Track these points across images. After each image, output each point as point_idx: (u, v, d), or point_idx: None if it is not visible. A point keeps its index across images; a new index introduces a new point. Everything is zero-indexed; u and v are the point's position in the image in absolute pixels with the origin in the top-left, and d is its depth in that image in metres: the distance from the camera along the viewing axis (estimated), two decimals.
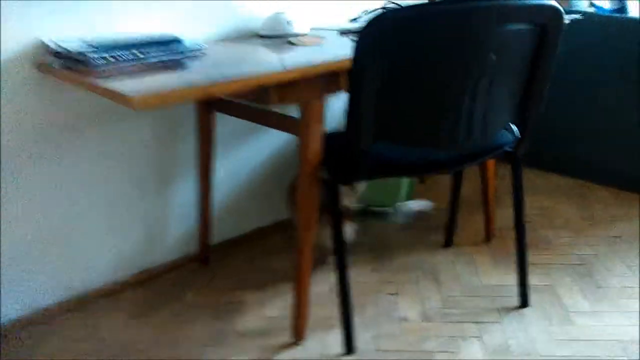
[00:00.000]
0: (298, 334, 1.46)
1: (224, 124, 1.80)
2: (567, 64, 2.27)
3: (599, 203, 2.17)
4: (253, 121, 1.45)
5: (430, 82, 1.14)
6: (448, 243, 1.92)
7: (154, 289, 1.71)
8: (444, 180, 2.28)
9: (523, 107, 1.30)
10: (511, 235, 1.92)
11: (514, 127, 1.46)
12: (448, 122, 1.19)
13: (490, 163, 1.86)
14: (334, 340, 1.46)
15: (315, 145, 1.28)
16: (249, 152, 1.93)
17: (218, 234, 1.92)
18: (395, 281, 1.73)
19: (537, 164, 2.48)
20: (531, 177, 2.44)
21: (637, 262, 1.75)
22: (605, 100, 2.23)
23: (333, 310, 1.57)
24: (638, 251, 1.81)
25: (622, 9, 2.28)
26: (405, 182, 2.05)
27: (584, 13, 2.24)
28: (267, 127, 1.94)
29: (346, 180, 1.32)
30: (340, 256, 1.35)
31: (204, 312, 1.61)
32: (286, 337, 1.48)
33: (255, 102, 1.21)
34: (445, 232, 1.92)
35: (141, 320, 1.56)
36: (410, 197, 2.15)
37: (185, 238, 1.86)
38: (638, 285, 1.63)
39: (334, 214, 1.34)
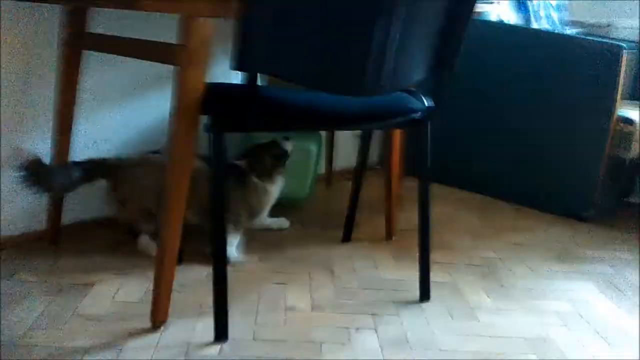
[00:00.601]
0: (157, 319, 1.19)
1: (92, 73, 1.53)
2: (475, 80, 2.26)
3: (499, 215, 2.11)
4: (125, 54, 1.20)
5: (334, 7, 0.97)
6: (346, 238, 1.75)
7: None
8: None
9: (437, 62, 1.17)
10: (412, 236, 1.80)
11: (422, 96, 1.34)
12: (354, 56, 1.02)
13: (396, 158, 1.73)
14: (205, 327, 1.20)
15: (197, 77, 1.05)
16: (121, 115, 1.66)
17: (74, 212, 1.61)
18: (285, 271, 1.51)
19: (440, 179, 2.42)
20: (434, 190, 2.36)
21: (540, 265, 1.67)
22: (508, 120, 2.22)
23: (207, 298, 1.32)
24: (541, 256, 1.74)
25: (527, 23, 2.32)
26: (310, 173, 1.92)
27: (496, 22, 2.25)
28: (147, 89, 1.71)
29: (233, 125, 1.09)
30: (218, 227, 1.11)
31: (40, 293, 1.29)
32: (144, 323, 1.20)
33: (123, 5, 0.97)
34: (344, 228, 1.75)
35: None
36: (312, 191, 1.99)
37: (34, 212, 1.53)
38: (543, 287, 1.53)
39: (217, 174, 1.11)
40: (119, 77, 1.63)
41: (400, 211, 2.04)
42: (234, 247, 1.56)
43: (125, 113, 1.68)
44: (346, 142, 2.39)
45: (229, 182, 1.51)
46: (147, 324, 1.20)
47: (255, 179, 1.60)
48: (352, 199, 1.73)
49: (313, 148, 1.92)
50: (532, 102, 2.15)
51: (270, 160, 1.63)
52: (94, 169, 1.46)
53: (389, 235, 1.80)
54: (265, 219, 1.74)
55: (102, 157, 1.50)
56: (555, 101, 2.10)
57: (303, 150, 1.87)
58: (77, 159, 1.48)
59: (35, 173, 1.32)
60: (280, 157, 1.65)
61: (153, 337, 1.16)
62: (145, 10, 0.94)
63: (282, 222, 1.82)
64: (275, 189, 1.65)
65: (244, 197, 1.58)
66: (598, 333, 1.31)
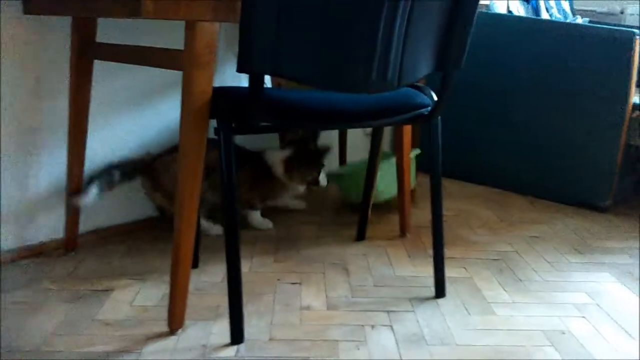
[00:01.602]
0: (174, 323, 1.20)
1: (103, 85, 1.56)
2: (485, 73, 2.25)
3: (515, 208, 2.09)
4: (133, 62, 1.21)
5: (338, 5, 0.98)
6: (360, 237, 1.75)
7: (5, 273, 1.39)
8: None
9: (444, 54, 1.16)
10: (426, 232, 1.81)
11: (432, 92, 1.34)
12: (360, 52, 1.02)
13: (407, 153, 1.72)
14: (221, 329, 1.21)
15: (204, 81, 1.06)
16: (133, 123, 1.68)
17: (91, 220, 1.64)
18: (299, 271, 1.51)
19: (453, 174, 2.41)
20: (447, 185, 2.35)
21: (557, 258, 1.65)
22: (520, 113, 2.20)
23: (224, 300, 1.34)
24: (557, 248, 1.72)
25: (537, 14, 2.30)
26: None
27: (504, 15, 2.23)
28: (161, 96, 1.73)
29: (240, 125, 1.10)
30: (231, 222, 1.12)
31: (59, 300, 1.31)
32: (161, 327, 1.22)
33: (126, 14, 0.98)
34: (357, 226, 1.75)
35: None
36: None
37: (52, 220, 1.56)
38: (560, 279, 1.51)
39: (227, 174, 1.12)
40: (133, 84, 1.65)
41: (414, 207, 2.03)
42: (259, 220, 1.81)
43: (138, 119, 1.70)
44: (358, 140, 2.39)
45: (247, 167, 1.73)
46: (165, 328, 1.21)
47: (280, 174, 1.75)
48: (364, 196, 1.73)
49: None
50: (545, 93, 2.13)
51: (307, 173, 1.78)
52: (132, 167, 1.61)
53: (403, 232, 1.80)
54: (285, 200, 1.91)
55: (137, 156, 1.65)
56: (569, 91, 2.08)
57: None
58: (113, 162, 1.59)
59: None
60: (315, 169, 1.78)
61: (170, 341, 1.17)
62: (150, 18, 0.95)
63: (299, 203, 1.98)
64: (295, 188, 1.81)
65: (258, 184, 1.75)
66: (617, 324, 1.29)
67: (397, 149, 1.73)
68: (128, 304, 1.32)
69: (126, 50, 1.22)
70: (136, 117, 1.69)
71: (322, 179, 1.80)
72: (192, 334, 1.20)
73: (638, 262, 1.65)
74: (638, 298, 1.42)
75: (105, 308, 1.29)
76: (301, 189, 1.81)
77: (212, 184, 1.61)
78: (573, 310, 1.35)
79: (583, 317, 1.32)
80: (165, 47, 1.18)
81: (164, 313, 1.26)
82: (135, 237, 1.70)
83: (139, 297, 1.35)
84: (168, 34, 1.65)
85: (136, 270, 1.48)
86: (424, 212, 2.01)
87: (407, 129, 1.69)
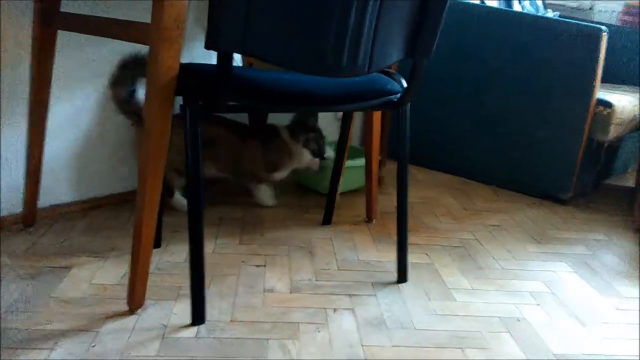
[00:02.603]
0: (134, 302, 1.18)
1: (66, 55, 1.51)
2: (455, 62, 2.26)
3: (479, 198, 2.13)
4: (99, 34, 1.18)
5: None
6: (327, 221, 1.75)
7: None
8: None
9: (414, 43, 1.16)
10: (392, 218, 1.82)
11: (402, 80, 1.34)
12: (331, 36, 1.01)
13: (376, 140, 1.73)
14: (182, 310, 1.20)
15: (171, 57, 1.04)
16: (98, 95, 1.64)
17: (51, 195, 1.60)
18: (264, 254, 1.51)
19: (421, 162, 2.44)
20: (415, 173, 2.38)
21: (517, 247, 1.69)
22: (487, 103, 2.23)
23: (186, 280, 1.33)
24: (518, 237, 1.76)
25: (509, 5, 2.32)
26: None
27: (476, 5, 2.25)
28: None
29: (208, 106, 1.09)
30: (195, 202, 1.11)
31: (16, 276, 1.28)
32: (120, 306, 1.20)
33: None
34: (324, 211, 1.76)
35: None
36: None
37: (10, 195, 1.51)
38: (518, 268, 1.55)
39: (193, 154, 1.10)
40: (99, 56, 1.60)
41: (381, 193, 2.05)
42: (267, 194, 1.86)
43: (100, 94, 1.65)
44: (328, 124, 2.38)
45: (253, 138, 1.78)
46: (125, 307, 1.20)
47: (287, 139, 1.81)
48: (332, 181, 1.73)
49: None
50: (512, 85, 2.16)
51: (313, 138, 1.83)
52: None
53: (370, 217, 1.81)
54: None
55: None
56: (535, 84, 2.11)
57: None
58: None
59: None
60: (317, 143, 1.84)
61: (130, 320, 1.16)
62: None
63: (270, 199, 1.93)
64: (301, 157, 1.84)
65: (265, 154, 1.79)
66: (571, 312, 1.34)
67: (366, 135, 1.74)
68: (87, 282, 1.29)
69: (92, 22, 1.18)
70: (99, 90, 1.65)
71: (328, 150, 1.87)
72: (152, 314, 1.19)
73: (595, 253, 1.71)
74: (592, 288, 1.48)
75: (64, 286, 1.27)
76: (307, 158, 1.83)
77: (212, 156, 1.71)
78: (529, 298, 1.39)
79: (538, 305, 1.36)
80: (136, 19, 1.15)
81: (124, 292, 1.25)
82: (97, 214, 1.67)
83: (99, 275, 1.32)
84: (140, 6, 1.60)
85: (96, 248, 1.46)
86: (391, 198, 2.02)
87: (377, 117, 1.70)
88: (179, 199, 1.75)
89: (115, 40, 1.19)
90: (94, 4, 1.52)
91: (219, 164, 1.75)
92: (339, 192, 1.89)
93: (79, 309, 1.18)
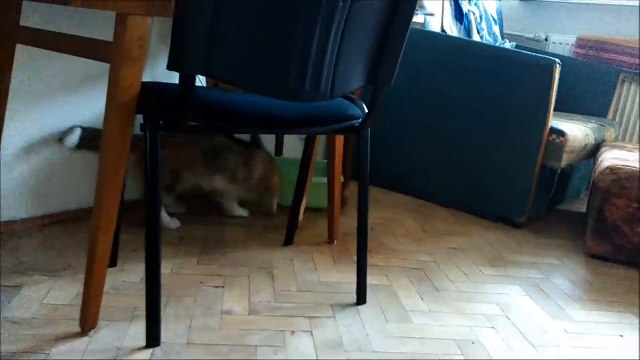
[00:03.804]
0: (87, 323, 1.15)
1: (29, 68, 1.48)
2: (417, 87, 2.32)
3: (438, 220, 2.18)
4: (60, 50, 1.16)
5: (274, 10, 0.98)
6: (288, 242, 1.75)
7: None
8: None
9: (375, 71, 1.19)
10: (354, 239, 1.84)
11: (363, 105, 1.37)
12: (295, 62, 1.03)
13: (338, 163, 1.75)
14: (137, 331, 1.18)
15: (132, 76, 1.03)
16: (58, 111, 1.61)
17: (3, 212, 1.55)
18: (223, 274, 1.50)
19: (383, 184, 2.48)
20: (375, 194, 2.41)
21: (473, 270, 1.73)
22: (447, 128, 2.29)
23: (142, 301, 1.30)
24: (474, 260, 1.80)
25: (469, 35, 2.40)
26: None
27: (437, 33, 2.32)
28: (88, 86, 1.66)
29: (168, 125, 1.08)
30: (153, 221, 1.10)
31: None
32: (73, 328, 1.17)
33: (52, 0, 0.94)
34: (286, 231, 1.76)
35: None
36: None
37: None
38: (474, 291, 1.59)
39: (153, 174, 1.09)
40: (58, 73, 1.58)
41: (343, 215, 2.07)
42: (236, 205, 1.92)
43: (63, 109, 1.63)
44: (294, 144, 2.40)
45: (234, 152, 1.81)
46: (77, 328, 1.17)
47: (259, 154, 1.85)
48: (295, 202, 1.74)
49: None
50: (471, 111, 2.23)
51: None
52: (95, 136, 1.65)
53: (331, 238, 1.82)
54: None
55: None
56: (493, 111, 2.19)
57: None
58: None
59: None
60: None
61: (82, 342, 1.13)
62: (78, 7, 0.92)
63: (244, 211, 1.98)
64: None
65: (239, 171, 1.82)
66: (524, 335, 1.37)
67: (329, 157, 1.76)
68: (38, 301, 1.25)
69: (53, 37, 1.16)
70: (61, 106, 1.62)
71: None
72: (105, 336, 1.16)
73: (547, 277, 1.76)
74: (544, 312, 1.52)
75: (14, 305, 1.22)
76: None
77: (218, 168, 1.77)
78: (484, 321, 1.42)
79: (493, 328, 1.39)
80: (100, 36, 1.14)
81: (76, 313, 1.22)
82: (54, 231, 1.62)
83: (51, 295, 1.29)
84: (105, 23, 1.59)
85: (50, 266, 1.42)
86: (353, 219, 2.04)
87: (340, 140, 1.72)
88: (164, 217, 1.74)
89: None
90: (57, 20, 1.50)
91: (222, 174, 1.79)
92: (302, 211, 1.90)
93: (29, 330, 1.14)
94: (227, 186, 1.81)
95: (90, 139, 1.65)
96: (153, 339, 1.14)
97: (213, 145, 1.76)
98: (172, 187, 1.72)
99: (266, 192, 1.88)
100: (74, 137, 1.61)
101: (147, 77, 1.79)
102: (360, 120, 1.32)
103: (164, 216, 1.76)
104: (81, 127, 1.64)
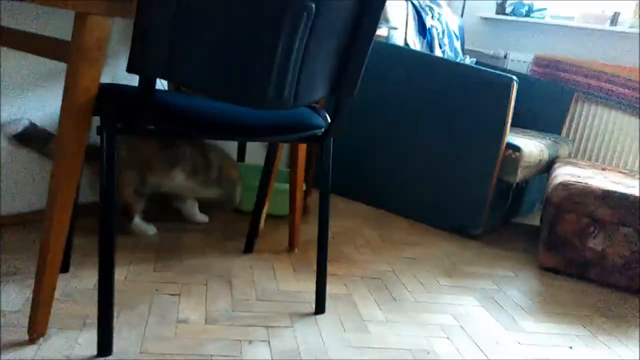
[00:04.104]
0: (35, 331, 1.11)
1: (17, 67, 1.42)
2: (378, 99, 2.35)
3: (396, 230, 2.20)
4: (17, 48, 1.12)
5: (238, 17, 0.98)
6: (248, 249, 1.74)
7: None
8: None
9: (338, 81, 1.20)
10: (314, 248, 1.84)
11: (326, 115, 1.37)
12: (257, 69, 1.02)
13: (300, 171, 1.75)
14: (88, 340, 1.14)
15: (90, 77, 1.01)
16: (16, 109, 1.56)
17: None
18: (180, 282, 1.47)
19: (343, 192, 2.49)
20: (337, 202, 2.42)
21: (430, 280, 1.76)
22: (406, 140, 2.32)
23: (94, 308, 1.27)
24: (431, 270, 1.83)
25: (431, 49, 2.44)
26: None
27: (400, 47, 2.35)
28: (47, 84, 1.61)
29: (125, 128, 1.06)
30: (107, 225, 1.07)
31: None
32: (20, 335, 1.12)
33: None
34: (246, 238, 1.75)
35: None
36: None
37: None
38: (430, 301, 1.61)
39: (108, 177, 1.06)
40: (13, 71, 1.53)
41: (304, 223, 2.07)
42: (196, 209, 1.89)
43: (17, 109, 1.57)
44: (256, 150, 2.39)
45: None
46: (25, 336, 1.12)
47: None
48: (255, 209, 1.73)
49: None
50: (430, 124, 2.27)
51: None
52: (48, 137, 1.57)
53: (292, 247, 1.82)
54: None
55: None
56: (453, 125, 2.23)
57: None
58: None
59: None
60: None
61: (29, 351, 1.08)
62: (36, 3, 0.89)
63: (203, 217, 1.93)
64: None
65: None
66: (477, 346, 1.40)
67: (291, 165, 1.75)
68: None
69: (9, 35, 1.12)
70: (18, 104, 1.56)
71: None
72: (54, 344, 1.12)
73: (501, 288, 1.80)
74: (497, 323, 1.55)
75: None
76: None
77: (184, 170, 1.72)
78: (439, 331, 1.44)
79: (448, 338, 1.41)
80: (60, 35, 1.11)
81: (25, 320, 1.17)
82: (1, 235, 1.56)
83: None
84: (63, 21, 1.55)
85: (1, 272, 1.36)
86: (314, 227, 2.04)
87: (302, 148, 1.72)
88: (138, 224, 1.69)
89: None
90: (20, 18, 1.46)
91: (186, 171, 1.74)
92: (263, 218, 1.89)
93: None
94: (186, 181, 1.75)
95: (37, 136, 1.56)
96: (104, 348, 1.10)
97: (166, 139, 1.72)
98: (141, 189, 1.66)
99: (227, 183, 1.83)
100: (17, 127, 1.52)
101: (107, 78, 1.75)
102: (323, 129, 1.33)
103: (140, 223, 1.71)
104: (31, 121, 1.56)
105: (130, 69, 0.94)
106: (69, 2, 0.92)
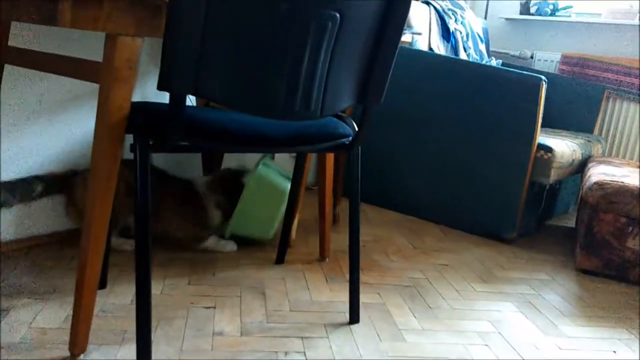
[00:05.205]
0: (76, 347, 1.13)
1: (15, 91, 1.47)
2: (408, 106, 2.34)
3: (428, 236, 2.18)
4: (49, 71, 1.15)
5: (263, 31, 0.99)
6: (280, 260, 1.74)
7: None
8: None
9: (364, 89, 1.20)
10: (345, 257, 1.83)
11: (353, 123, 1.37)
12: (284, 81, 1.03)
13: (329, 180, 1.75)
14: (126, 355, 1.16)
15: (122, 96, 1.03)
16: (47, 131, 1.60)
17: None
18: (214, 295, 1.48)
19: (374, 201, 2.48)
20: (366, 211, 2.41)
21: (465, 286, 1.73)
22: (436, 145, 2.30)
23: (132, 323, 1.28)
24: (465, 276, 1.80)
25: (456, 53, 2.43)
26: (280, 214, 1.82)
27: (425, 52, 2.34)
28: (77, 105, 1.66)
29: (158, 145, 1.08)
30: (143, 241, 1.08)
31: None
32: (62, 352, 1.15)
33: (41, 21, 0.94)
34: (277, 250, 1.75)
35: None
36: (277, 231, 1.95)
37: None
38: (466, 308, 1.58)
39: (143, 195, 1.08)
40: (46, 92, 1.57)
41: (335, 232, 2.06)
42: (216, 239, 1.79)
43: (51, 129, 1.62)
44: (285, 161, 2.40)
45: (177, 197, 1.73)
46: (66, 352, 1.15)
47: (206, 197, 1.75)
48: (286, 219, 1.73)
49: (287, 187, 1.78)
50: (458, 129, 2.25)
51: (231, 189, 1.77)
52: (55, 182, 1.62)
53: (323, 256, 1.81)
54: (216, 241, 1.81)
55: (62, 171, 1.65)
56: (482, 129, 2.20)
57: (276, 190, 1.77)
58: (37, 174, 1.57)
59: None
60: (238, 190, 1.76)
61: None
62: (67, 27, 0.92)
63: (231, 245, 1.82)
64: (218, 215, 1.78)
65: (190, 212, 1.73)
66: (517, 352, 1.37)
67: (319, 174, 1.76)
68: (26, 325, 1.23)
69: (41, 58, 1.16)
70: (49, 126, 1.61)
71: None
72: (95, 359, 1.14)
73: (538, 292, 1.76)
74: (536, 328, 1.52)
75: (1, 329, 1.20)
76: (217, 217, 1.77)
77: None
78: (477, 339, 1.41)
79: (486, 345, 1.39)
80: (89, 55, 1.14)
81: (65, 336, 1.20)
82: (39, 254, 1.60)
83: (39, 318, 1.26)
84: (93, 42, 1.59)
85: (37, 289, 1.39)
86: (344, 236, 2.04)
87: (330, 157, 1.72)
88: (117, 240, 1.70)
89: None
90: (46, 40, 1.50)
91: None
92: (294, 229, 1.89)
93: (17, 354, 1.12)
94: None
95: (52, 185, 1.61)
96: None
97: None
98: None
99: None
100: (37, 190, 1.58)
101: (137, 97, 1.79)
102: (350, 138, 1.33)
103: (216, 241, 1.77)
104: (38, 177, 1.58)
105: (160, 87, 0.96)
106: (99, 23, 0.95)
